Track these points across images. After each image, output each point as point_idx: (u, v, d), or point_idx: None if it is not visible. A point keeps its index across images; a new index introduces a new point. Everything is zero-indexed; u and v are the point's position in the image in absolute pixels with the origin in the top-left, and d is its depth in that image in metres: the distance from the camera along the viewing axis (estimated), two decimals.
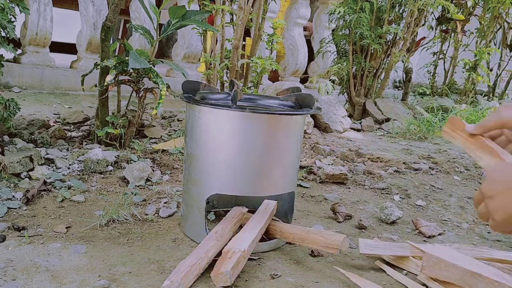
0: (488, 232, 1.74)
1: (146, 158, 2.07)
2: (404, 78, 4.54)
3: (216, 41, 2.95)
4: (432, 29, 4.48)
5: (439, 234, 1.67)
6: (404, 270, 1.33)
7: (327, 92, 3.70)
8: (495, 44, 5.04)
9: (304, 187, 2.05)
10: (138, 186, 1.79)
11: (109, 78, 2.07)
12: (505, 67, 5.26)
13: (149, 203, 1.65)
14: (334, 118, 3.30)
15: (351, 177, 2.22)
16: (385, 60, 3.88)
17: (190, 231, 1.41)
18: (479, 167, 2.56)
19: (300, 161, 2.25)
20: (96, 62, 2.16)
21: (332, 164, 2.36)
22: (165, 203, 1.66)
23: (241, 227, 1.34)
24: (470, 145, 1.22)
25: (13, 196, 1.55)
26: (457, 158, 2.66)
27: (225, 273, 1.08)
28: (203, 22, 2.19)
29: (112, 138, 2.19)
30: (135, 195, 1.69)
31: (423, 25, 3.98)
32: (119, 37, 6.03)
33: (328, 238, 1.27)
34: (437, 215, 1.89)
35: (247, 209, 1.46)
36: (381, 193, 2.07)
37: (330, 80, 3.90)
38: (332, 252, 1.28)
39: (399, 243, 1.49)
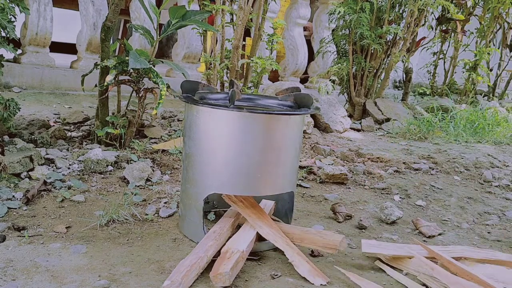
0: (488, 232, 1.74)
1: (146, 158, 2.07)
2: (404, 78, 4.54)
3: (216, 41, 2.95)
4: (432, 29, 4.48)
5: (439, 234, 1.67)
6: (404, 270, 1.33)
7: (327, 92, 3.70)
8: (494, 44, 5.04)
9: (304, 187, 2.05)
10: (138, 186, 1.79)
11: (109, 78, 2.07)
12: (505, 67, 5.26)
13: (149, 203, 1.65)
14: (334, 118, 3.30)
15: (351, 177, 2.22)
16: (385, 60, 3.88)
17: (188, 231, 1.41)
18: (479, 167, 2.56)
19: (300, 161, 2.25)
20: (96, 62, 2.16)
21: (332, 164, 2.36)
22: (165, 203, 1.66)
23: (239, 226, 1.34)
24: (250, 213, 1.32)
25: (13, 196, 1.55)
26: (457, 158, 2.66)
27: (224, 274, 1.08)
28: (203, 22, 2.19)
29: (112, 138, 2.19)
30: (135, 195, 1.69)
31: (423, 25, 3.98)
32: (119, 37, 6.03)
33: (327, 238, 1.27)
34: (437, 215, 1.89)
35: None
36: (381, 193, 2.07)
37: (330, 80, 3.89)
38: (331, 252, 1.28)
39: (400, 244, 1.49)
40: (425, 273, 1.26)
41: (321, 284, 1.17)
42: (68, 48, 4.73)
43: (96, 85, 2.18)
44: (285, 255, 1.35)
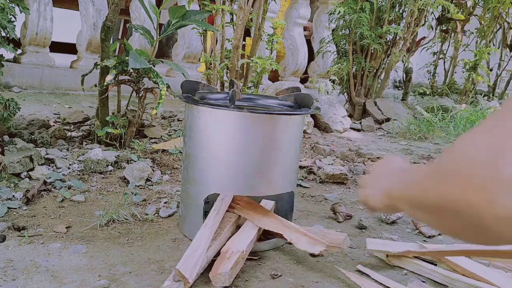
0: None
1: (146, 158, 2.07)
2: (404, 78, 4.55)
3: (216, 41, 2.95)
4: (432, 29, 4.49)
5: (439, 234, 1.66)
6: (404, 270, 1.33)
7: (327, 92, 3.70)
8: (494, 44, 5.04)
9: (304, 187, 2.05)
10: (138, 186, 1.79)
11: (109, 78, 2.07)
12: (505, 67, 5.26)
13: (149, 203, 1.65)
14: (334, 118, 3.30)
15: (351, 177, 2.22)
16: (385, 60, 3.89)
17: (188, 231, 1.40)
18: None
19: (300, 161, 2.25)
20: (96, 62, 2.16)
21: (332, 164, 2.36)
22: (165, 203, 1.66)
23: (239, 226, 1.34)
24: (248, 211, 1.30)
25: (13, 196, 1.55)
26: None
27: (224, 274, 1.08)
28: (203, 22, 2.19)
29: (112, 138, 2.19)
30: (135, 195, 1.69)
31: (423, 25, 3.98)
32: (119, 37, 6.03)
33: (329, 237, 1.27)
34: None
35: None
36: None
37: (330, 80, 3.90)
38: (334, 251, 1.28)
39: (404, 242, 1.49)
40: (427, 272, 1.26)
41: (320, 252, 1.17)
42: (68, 48, 4.73)
43: (96, 85, 2.18)
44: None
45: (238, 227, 1.35)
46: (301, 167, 2.24)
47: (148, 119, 2.58)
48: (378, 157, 2.58)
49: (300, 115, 1.37)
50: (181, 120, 3.00)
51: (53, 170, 1.81)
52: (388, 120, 3.69)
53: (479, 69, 4.66)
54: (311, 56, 5.25)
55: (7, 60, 2.73)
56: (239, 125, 1.28)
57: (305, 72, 5.42)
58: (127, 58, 2.00)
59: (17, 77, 3.48)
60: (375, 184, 0.76)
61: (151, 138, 2.42)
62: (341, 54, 3.99)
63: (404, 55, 3.98)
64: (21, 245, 1.25)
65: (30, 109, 2.94)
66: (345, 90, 4.00)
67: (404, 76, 4.52)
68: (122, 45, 2.28)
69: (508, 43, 5.20)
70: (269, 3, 3.03)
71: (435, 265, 1.34)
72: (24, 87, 3.50)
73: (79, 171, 1.86)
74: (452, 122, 3.57)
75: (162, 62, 2.24)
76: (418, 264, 1.32)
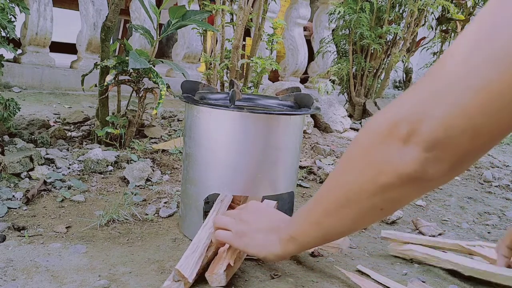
0: (488, 232, 1.74)
1: (146, 158, 2.07)
2: (404, 78, 4.55)
3: (216, 41, 2.95)
4: (432, 29, 4.48)
5: (439, 234, 1.67)
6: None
7: (327, 92, 3.70)
8: None
9: (304, 187, 2.05)
10: (138, 186, 1.79)
11: (109, 78, 2.07)
12: None
13: (149, 203, 1.65)
14: (334, 118, 3.30)
15: None
16: (385, 60, 3.88)
17: (188, 231, 1.41)
18: (479, 167, 2.56)
19: (300, 161, 2.25)
20: (96, 62, 2.16)
21: (332, 164, 2.36)
22: (165, 203, 1.66)
23: None
24: None
25: (13, 196, 1.55)
26: None
27: (219, 274, 1.08)
28: (203, 22, 2.19)
29: (112, 138, 2.19)
30: (135, 195, 1.69)
31: (423, 25, 3.98)
32: (119, 37, 6.03)
33: None
34: (437, 215, 1.89)
35: None
36: None
37: (330, 80, 3.90)
38: (333, 251, 1.28)
39: (414, 234, 1.49)
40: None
41: None
42: (68, 48, 4.73)
43: (95, 85, 2.18)
44: None
45: None
46: (301, 167, 2.24)
47: (148, 119, 2.58)
48: None
49: (300, 115, 1.37)
50: (181, 120, 3.00)
51: (53, 170, 1.81)
52: None
53: None
54: (311, 56, 5.25)
55: (7, 60, 2.73)
56: (239, 125, 1.28)
57: (305, 72, 5.42)
58: (127, 58, 2.00)
59: (17, 77, 3.48)
60: (257, 230, 0.75)
61: (151, 138, 2.42)
62: (341, 54, 3.99)
63: (404, 55, 3.98)
64: (21, 245, 1.25)
65: (30, 109, 2.94)
66: (345, 90, 4.00)
67: (404, 76, 4.52)
68: (122, 45, 2.28)
69: None
70: (269, 3, 3.03)
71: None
72: (24, 87, 3.50)
73: (79, 171, 1.86)
74: None
75: (162, 62, 2.24)
76: (426, 253, 1.34)
